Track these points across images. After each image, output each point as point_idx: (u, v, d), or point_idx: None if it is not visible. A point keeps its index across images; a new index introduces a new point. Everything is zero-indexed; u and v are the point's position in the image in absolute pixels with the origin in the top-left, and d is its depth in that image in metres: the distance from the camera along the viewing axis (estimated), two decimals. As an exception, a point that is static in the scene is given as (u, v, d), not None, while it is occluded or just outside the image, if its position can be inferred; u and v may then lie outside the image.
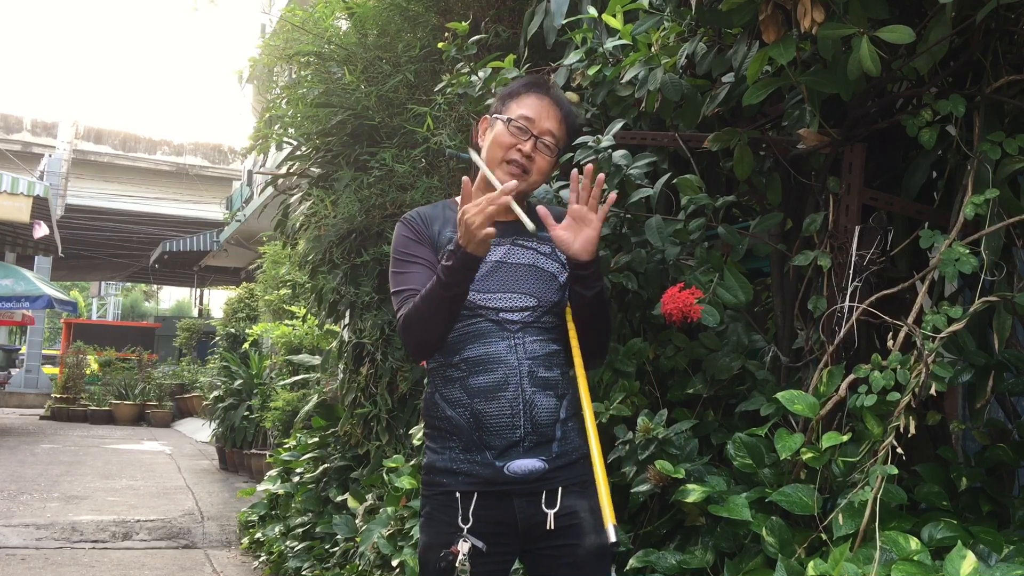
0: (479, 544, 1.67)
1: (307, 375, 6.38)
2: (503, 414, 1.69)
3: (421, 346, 1.74)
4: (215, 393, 9.78)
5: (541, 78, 1.94)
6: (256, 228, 10.88)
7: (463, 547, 1.67)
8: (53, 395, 17.04)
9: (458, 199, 1.92)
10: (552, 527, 1.68)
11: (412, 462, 3.28)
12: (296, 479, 4.95)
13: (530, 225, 1.67)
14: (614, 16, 2.42)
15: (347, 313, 4.30)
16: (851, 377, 1.79)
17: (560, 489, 1.70)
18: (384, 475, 3.53)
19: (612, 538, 1.57)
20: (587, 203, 1.71)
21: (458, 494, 1.71)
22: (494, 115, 1.84)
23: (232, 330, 10.92)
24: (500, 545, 1.70)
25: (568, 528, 1.70)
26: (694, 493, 1.90)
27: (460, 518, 1.69)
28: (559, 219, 1.90)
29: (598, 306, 1.80)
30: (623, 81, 2.39)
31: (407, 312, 1.72)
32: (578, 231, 1.71)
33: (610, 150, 2.30)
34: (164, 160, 20.89)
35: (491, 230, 1.59)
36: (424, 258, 1.80)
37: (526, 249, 1.81)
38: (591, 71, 2.47)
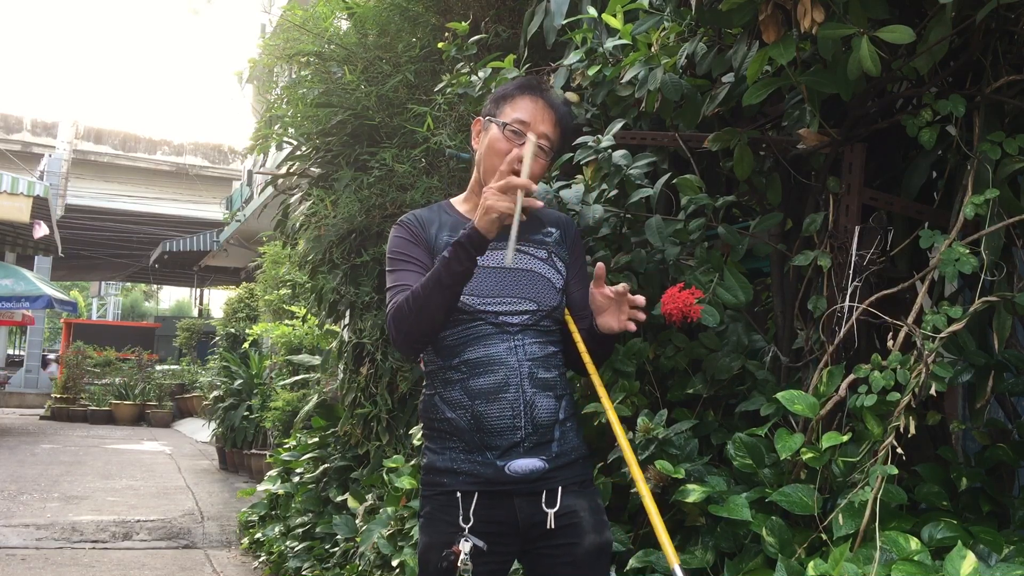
0: (480, 543, 1.68)
1: (307, 375, 6.38)
2: (504, 415, 1.70)
3: (410, 336, 1.71)
4: (215, 393, 9.78)
5: (534, 79, 1.92)
6: (256, 228, 10.88)
7: (464, 547, 1.67)
8: (53, 395, 17.03)
9: (453, 201, 1.93)
10: (552, 526, 1.68)
11: (412, 462, 3.28)
12: (296, 479, 4.95)
13: (509, 259, 1.64)
14: (614, 16, 2.42)
15: (347, 313, 4.30)
16: (851, 377, 1.79)
17: (560, 489, 1.71)
18: (384, 475, 3.53)
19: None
20: (622, 311, 1.74)
21: (459, 494, 1.72)
22: (487, 117, 1.83)
23: (232, 330, 10.92)
24: (500, 545, 1.70)
25: (567, 528, 1.70)
26: (694, 493, 1.90)
27: (461, 518, 1.70)
28: (557, 222, 1.90)
29: (601, 353, 1.85)
30: (623, 81, 2.39)
31: (399, 301, 1.72)
32: (610, 311, 1.75)
33: (610, 150, 2.31)
34: (164, 160, 20.88)
35: (507, 205, 1.60)
36: (418, 259, 1.80)
37: (524, 254, 1.81)
38: (591, 71, 2.47)
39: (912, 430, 1.67)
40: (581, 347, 1.80)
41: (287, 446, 5.48)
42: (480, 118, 1.87)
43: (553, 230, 1.88)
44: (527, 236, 1.83)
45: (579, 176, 2.44)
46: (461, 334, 1.75)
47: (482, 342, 1.73)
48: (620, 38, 2.44)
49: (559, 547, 1.70)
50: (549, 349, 1.77)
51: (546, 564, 1.72)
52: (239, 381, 9.45)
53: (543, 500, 1.70)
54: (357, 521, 3.72)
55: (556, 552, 1.70)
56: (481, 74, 2.81)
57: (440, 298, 1.66)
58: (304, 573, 4.17)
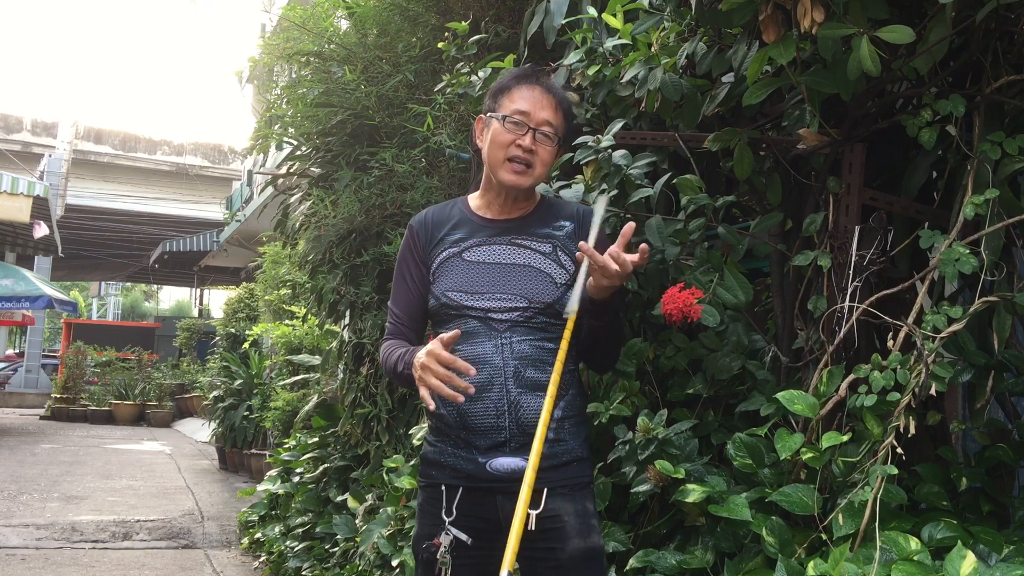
0: (463, 537, 1.68)
1: (307, 375, 6.37)
2: (487, 415, 1.70)
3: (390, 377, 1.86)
4: (215, 393, 9.78)
5: (530, 68, 1.90)
6: (256, 228, 10.88)
7: (444, 540, 1.68)
8: (53, 395, 17.03)
9: (470, 197, 1.92)
10: (533, 528, 1.64)
11: (412, 462, 3.28)
12: (296, 479, 4.95)
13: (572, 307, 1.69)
14: (614, 16, 2.42)
15: (347, 313, 4.30)
16: (851, 377, 1.79)
17: (545, 490, 1.68)
18: (384, 475, 3.53)
19: None
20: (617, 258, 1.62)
21: (443, 487, 1.74)
22: (488, 114, 1.82)
23: (232, 330, 10.92)
24: (484, 540, 1.70)
25: (550, 531, 1.68)
26: (694, 493, 1.90)
27: (444, 511, 1.72)
28: (573, 215, 1.86)
29: (606, 332, 1.78)
30: (623, 81, 2.39)
31: (381, 350, 1.85)
32: (598, 274, 1.65)
33: (610, 150, 2.30)
34: (164, 160, 20.89)
35: (424, 393, 1.64)
36: (411, 275, 1.85)
37: (523, 249, 1.80)
38: (591, 71, 2.47)
39: (912, 430, 1.67)
40: (564, 339, 1.73)
41: (287, 446, 5.48)
42: (482, 116, 1.86)
43: (566, 223, 1.84)
44: (531, 230, 1.82)
45: (579, 176, 2.44)
46: (452, 331, 1.75)
47: (469, 340, 1.73)
48: (620, 38, 2.44)
49: (542, 551, 1.68)
50: (545, 347, 1.74)
51: (531, 567, 1.70)
52: (239, 381, 9.45)
53: None
54: (357, 521, 3.72)
55: (539, 556, 1.68)
56: (481, 74, 2.81)
57: (399, 382, 1.82)
58: (304, 573, 4.17)
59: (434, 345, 1.62)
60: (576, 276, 1.70)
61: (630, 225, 1.64)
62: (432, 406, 1.64)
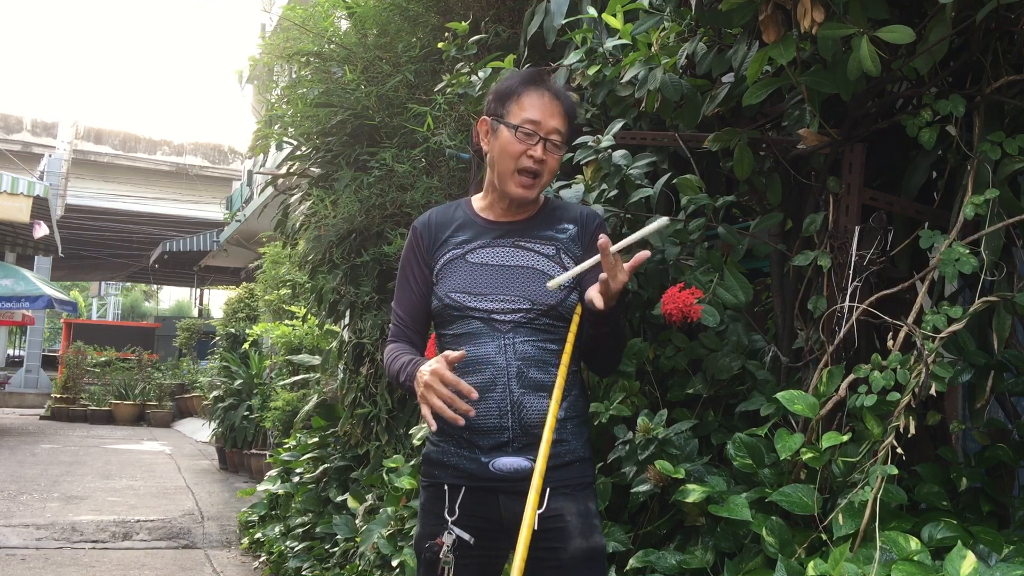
0: (466, 536, 1.68)
1: (307, 375, 6.37)
2: (490, 415, 1.70)
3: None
4: (215, 393, 9.78)
5: (535, 71, 1.89)
6: (256, 228, 10.88)
7: (447, 539, 1.68)
8: (53, 395, 17.03)
9: (473, 198, 1.92)
10: (536, 527, 1.63)
11: (412, 462, 3.28)
12: (296, 479, 4.95)
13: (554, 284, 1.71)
14: (614, 16, 2.42)
15: (347, 313, 4.30)
16: (851, 377, 1.79)
17: (548, 490, 1.68)
18: (384, 475, 3.53)
19: None
20: (616, 268, 1.58)
21: (446, 487, 1.74)
22: (494, 118, 1.80)
23: (232, 330, 10.91)
24: (487, 540, 1.71)
25: (553, 531, 1.68)
26: (694, 493, 1.90)
27: (447, 510, 1.72)
28: (576, 218, 1.87)
29: (607, 339, 1.77)
30: (623, 81, 2.39)
31: (384, 353, 1.85)
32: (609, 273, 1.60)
33: (610, 150, 2.31)
34: (164, 160, 20.88)
35: (426, 411, 1.64)
36: (414, 277, 1.85)
37: (526, 251, 1.80)
38: (591, 71, 2.47)
39: (912, 430, 1.67)
40: (568, 341, 1.74)
41: (287, 446, 5.48)
42: (486, 117, 1.83)
43: (569, 226, 1.84)
44: (534, 233, 1.82)
45: (579, 176, 2.44)
46: (456, 331, 1.76)
47: (473, 340, 1.74)
48: (620, 38, 2.44)
49: (544, 551, 1.67)
50: (547, 348, 1.75)
51: (533, 566, 1.69)
52: (239, 381, 9.45)
53: None
54: (357, 521, 3.72)
55: (541, 555, 1.68)
56: (481, 74, 2.81)
57: (401, 389, 1.86)
58: (304, 573, 4.17)
59: (439, 364, 1.62)
60: (580, 264, 1.70)
61: (644, 254, 1.58)
62: (435, 427, 1.64)
